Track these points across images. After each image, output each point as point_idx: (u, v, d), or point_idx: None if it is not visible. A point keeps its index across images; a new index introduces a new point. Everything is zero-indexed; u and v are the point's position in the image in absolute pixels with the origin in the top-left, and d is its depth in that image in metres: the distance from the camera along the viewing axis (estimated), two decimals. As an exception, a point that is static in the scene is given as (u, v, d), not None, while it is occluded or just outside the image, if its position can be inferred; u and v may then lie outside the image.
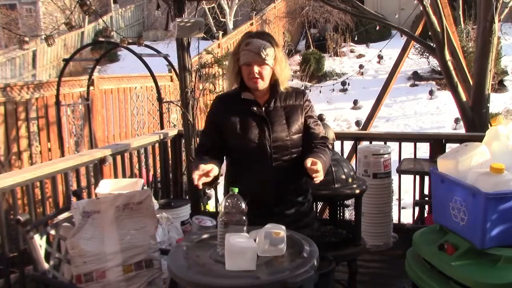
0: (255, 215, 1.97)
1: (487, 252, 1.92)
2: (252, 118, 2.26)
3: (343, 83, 13.48)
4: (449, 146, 3.57)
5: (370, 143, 4.26)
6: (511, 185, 1.67)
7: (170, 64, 7.48)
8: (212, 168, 2.10)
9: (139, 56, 6.21)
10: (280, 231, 1.84)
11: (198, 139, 4.35)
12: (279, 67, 2.26)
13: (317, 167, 2.05)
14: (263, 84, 2.26)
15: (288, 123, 2.27)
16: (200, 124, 9.39)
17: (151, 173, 4.49)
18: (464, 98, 5.78)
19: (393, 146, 4.18)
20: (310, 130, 2.33)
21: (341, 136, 4.33)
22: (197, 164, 2.14)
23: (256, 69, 2.20)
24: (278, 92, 2.29)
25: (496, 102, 10.74)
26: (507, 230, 1.68)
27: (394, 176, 4.02)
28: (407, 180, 4.26)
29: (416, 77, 13.45)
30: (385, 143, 4.19)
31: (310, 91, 12.44)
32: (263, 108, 2.28)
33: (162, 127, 6.50)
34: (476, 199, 1.66)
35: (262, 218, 1.98)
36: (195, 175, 2.06)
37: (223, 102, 2.37)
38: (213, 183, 2.19)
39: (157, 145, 4.46)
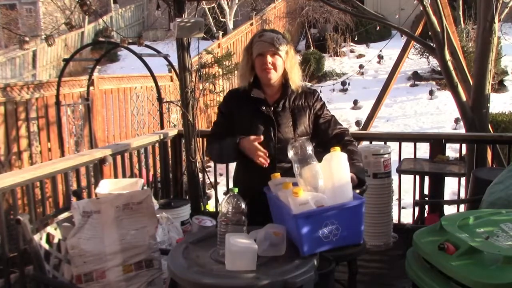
0: (257, 213, 1.98)
1: (487, 252, 1.93)
2: (259, 117, 2.26)
3: (343, 83, 13.46)
4: (449, 146, 3.58)
5: (370, 143, 4.25)
6: (309, 206, 1.85)
7: (170, 64, 7.47)
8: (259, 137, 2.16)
9: (139, 56, 6.21)
10: (280, 231, 1.85)
11: (198, 138, 4.35)
12: (290, 62, 2.27)
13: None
14: (275, 76, 2.26)
15: (294, 125, 2.27)
16: (200, 124, 9.41)
17: (151, 173, 4.48)
18: (464, 98, 5.77)
19: (393, 146, 4.17)
20: (323, 125, 2.32)
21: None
22: (234, 142, 2.18)
23: (269, 59, 2.22)
24: (288, 91, 2.29)
25: (496, 102, 10.73)
26: (314, 240, 1.87)
27: (394, 176, 4.02)
28: (407, 180, 4.26)
29: (416, 77, 13.44)
30: (385, 143, 4.19)
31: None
32: (272, 108, 2.28)
33: (162, 127, 6.50)
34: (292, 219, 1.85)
35: (265, 217, 2.00)
36: (260, 154, 2.10)
37: (234, 97, 2.38)
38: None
39: (157, 145, 4.45)
